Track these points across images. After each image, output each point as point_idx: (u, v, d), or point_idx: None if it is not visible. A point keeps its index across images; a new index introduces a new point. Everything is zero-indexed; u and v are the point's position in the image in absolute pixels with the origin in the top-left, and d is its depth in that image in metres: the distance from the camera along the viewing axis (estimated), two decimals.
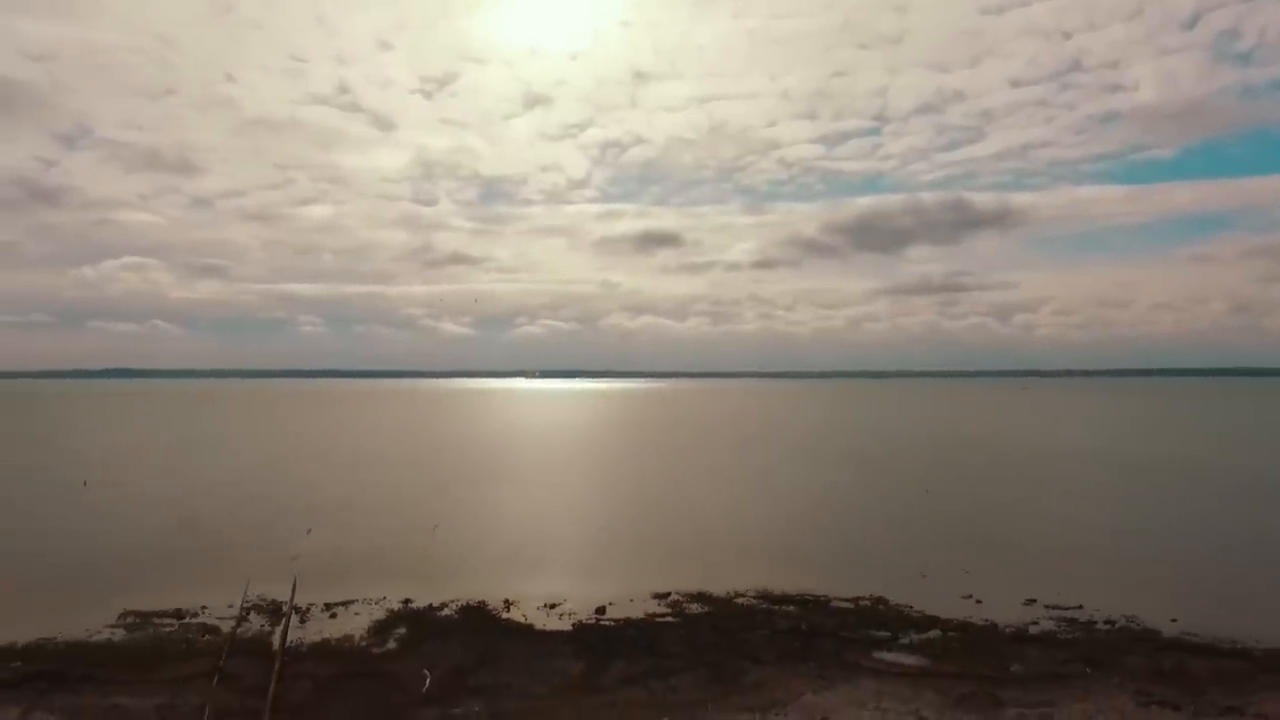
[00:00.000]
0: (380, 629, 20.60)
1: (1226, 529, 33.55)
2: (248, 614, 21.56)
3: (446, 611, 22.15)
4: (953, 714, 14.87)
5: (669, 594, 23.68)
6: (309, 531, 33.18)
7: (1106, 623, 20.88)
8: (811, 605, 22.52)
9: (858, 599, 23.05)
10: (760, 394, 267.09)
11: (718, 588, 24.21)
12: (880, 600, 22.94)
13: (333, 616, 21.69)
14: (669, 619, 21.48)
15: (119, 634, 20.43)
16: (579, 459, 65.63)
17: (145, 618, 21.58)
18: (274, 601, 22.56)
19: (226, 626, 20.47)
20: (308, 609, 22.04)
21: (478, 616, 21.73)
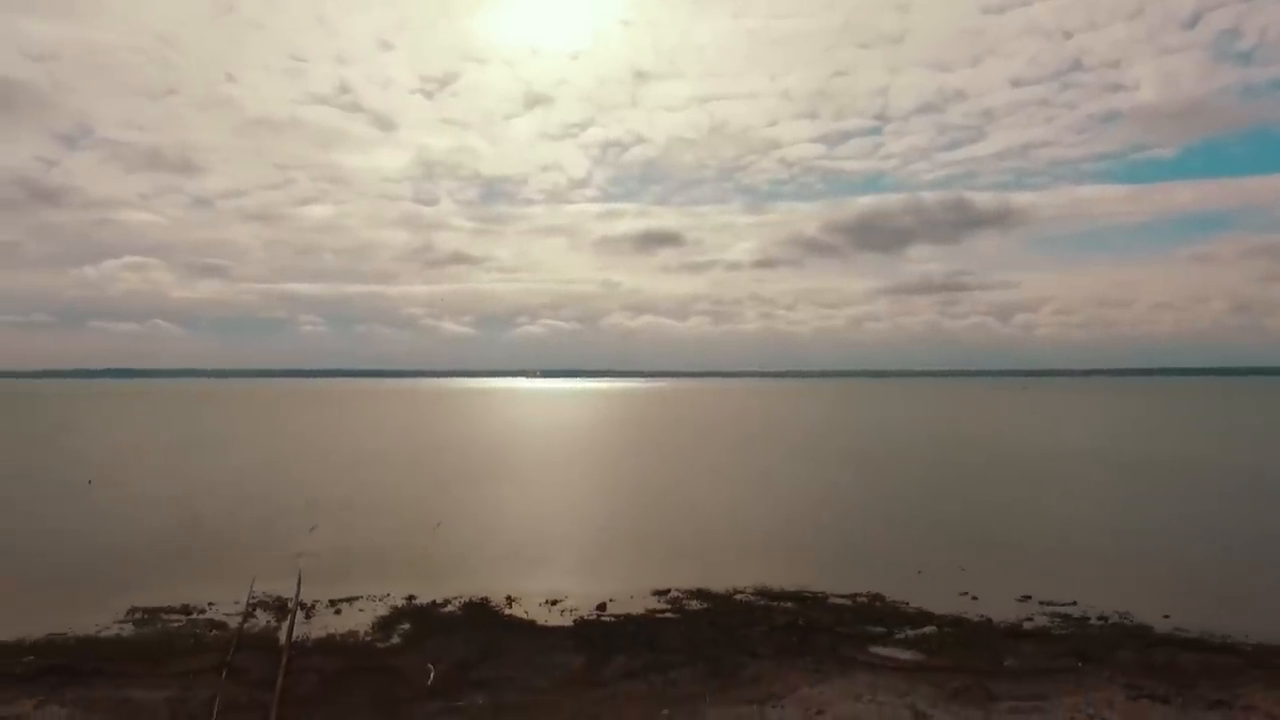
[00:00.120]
0: (384, 624, 20.91)
1: (1224, 528, 33.72)
2: (254, 610, 21.91)
3: (449, 608, 22.45)
4: (946, 706, 15.13)
5: (669, 591, 23.98)
6: (312, 529, 33.45)
7: (1100, 619, 21.16)
8: (809, 601, 22.80)
9: (854, 595, 23.33)
10: (761, 393, 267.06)
11: (717, 584, 24.50)
12: (877, 597, 23.23)
13: (337, 612, 21.99)
14: (669, 615, 21.77)
15: (128, 629, 20.75)
16: (580, 458, 65.86)
17: (153, 614, 21.89)
18: (279, 598, 22.89)
19: (233, 622, 20.83)
20: (313, 605, 22.36)
21: (480, 612, 22.03)
